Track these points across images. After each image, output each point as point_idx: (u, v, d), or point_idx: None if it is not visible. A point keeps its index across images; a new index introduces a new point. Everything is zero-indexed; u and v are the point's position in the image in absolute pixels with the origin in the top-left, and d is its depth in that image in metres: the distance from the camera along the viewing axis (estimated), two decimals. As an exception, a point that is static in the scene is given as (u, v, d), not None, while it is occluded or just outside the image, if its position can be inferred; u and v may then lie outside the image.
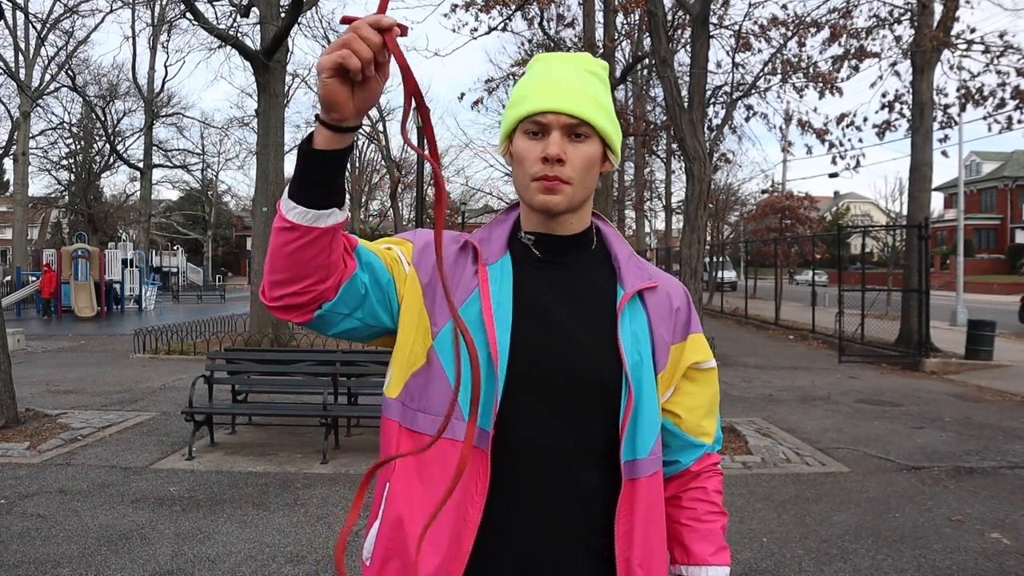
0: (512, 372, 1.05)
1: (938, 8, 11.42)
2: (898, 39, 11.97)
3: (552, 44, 12.26)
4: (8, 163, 31.29)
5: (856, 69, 10.94)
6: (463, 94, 19.04)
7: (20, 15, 23.26)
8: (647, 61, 12.09)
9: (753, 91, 9.39)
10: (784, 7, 9.78)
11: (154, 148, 32.83)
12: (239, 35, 13.96)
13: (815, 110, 17.49)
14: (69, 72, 25.86)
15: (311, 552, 3.80)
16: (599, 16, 12.41)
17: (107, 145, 31.60)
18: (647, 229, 36.99)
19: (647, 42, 11.39)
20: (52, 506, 4.47)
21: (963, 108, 12.00)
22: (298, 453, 5.81)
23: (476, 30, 10.89)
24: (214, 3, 14.45)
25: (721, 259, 30.84)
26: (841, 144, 11.22)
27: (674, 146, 14.81)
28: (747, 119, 13.61)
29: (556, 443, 1.07)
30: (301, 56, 70.69)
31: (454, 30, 11.31)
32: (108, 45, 72.63)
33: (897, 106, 12.32)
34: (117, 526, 4.13)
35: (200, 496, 4.71)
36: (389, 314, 1.09)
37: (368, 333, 1.09)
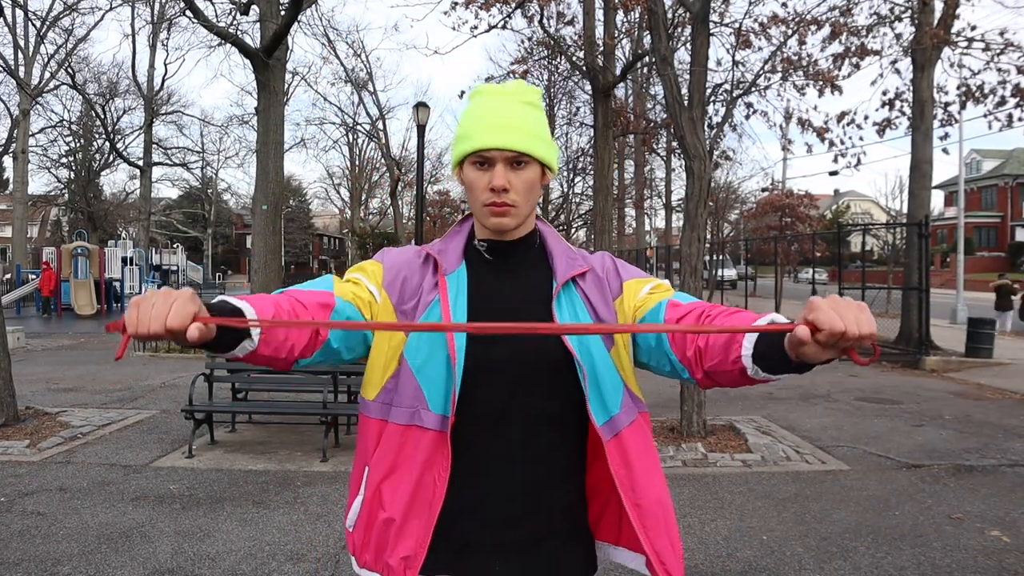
0: (469, 365, 1.23)
1: (939, 6, 11.41)
2: (899, 37, 11.96)
3: (552, 42, 12.23)
4: (8, 161, 31.35)
5: (857, 67, 10.93)
6: (463, 92, 18.98)
7: (20, 12, 23.23)
8: (647, 59, 12.07)
9: (753, 89, 9.37)
10: (784, 5, 9.76)
11: (154, 146, 32.77)
12: (239, 33, 13.94)
13: (815, 108, 17.43)
14: (69, 70, 25.80)
15: (311, 550, 3.80)
16: (599, 14, 12.38)
17: (107, 143, 31.55)
18: (647, 227, 36.98)
19: (647, 40, 11.38)
20: (52, 504, 4.47)
21: (963, 106, 12.00)
22: (298, 451, 5.81)
23: (476, 28, 10.85)
24: (214, 1, 14.43)
25: (721, 257, 30.82)
26: (841, 142, 11.21)
27: (674, 144, 14.80)
28: (747, 117, 13.60)
29: (513, 416, 1.26)
30: (301, 54, 70.62)
31: (454, 28, 11.26)
32: (108, 43, 72.51)
33: (897, 104, 12.31)
34: (117, 524, 4.13)
35: (200, 494, 4.71)
36: (363, 347, 1.32)
37: (347, 362, 1.34)
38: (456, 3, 10.47)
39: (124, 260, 24.02)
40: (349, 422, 6.60)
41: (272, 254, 11.67)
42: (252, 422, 6.70)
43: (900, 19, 11.93)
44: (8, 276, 26.60)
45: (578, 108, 20.88)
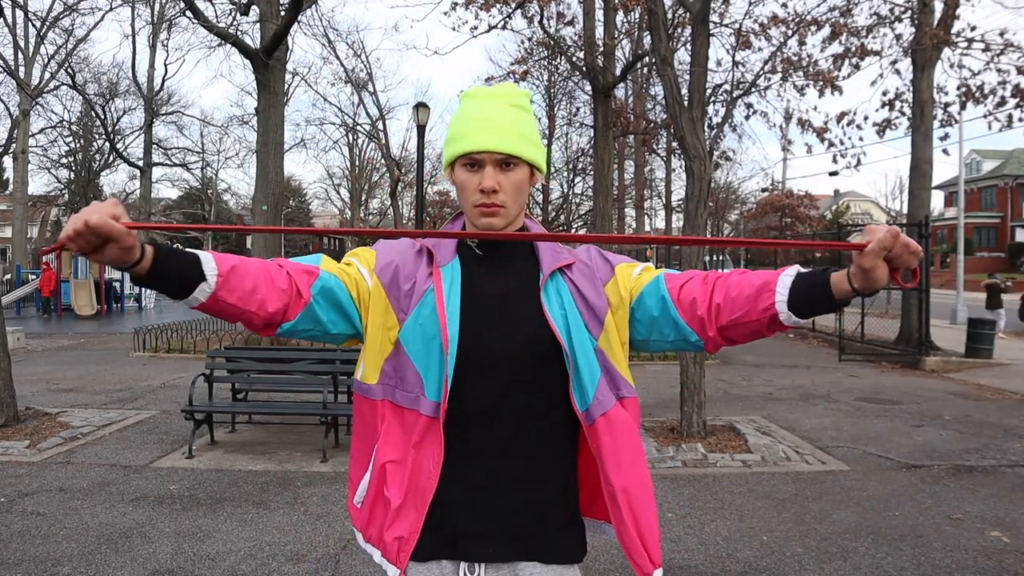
0: (462, 353, 1.27)
1: (939, 6, 11.41)
2: (898, 37, 11.96)
3: (552, 42, 12.24)
4: (8, 161, 31.33)
5: (856, 67, 10.94)
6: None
7: (20, 13, 23.23)
8: (647, 59, 12.07)
9: (753, 89, 9.37)
10: (784, 5, 9.76)
11: (154, 146, 32.79)
12: (239, 33, 13.94)
13: (815, 108, 17.42)
14: (69, 70, 25.79)
15: (311, 550, 3.80)
16: (599, 14, 12.39)
17: (107, 143, 31.54)
18: (647, 228, 36.98)
19: (647, 40, 11.38)
20: (52, 504, 4.47)
21: (963, 106, 12.00)
22: (298, 451, 5.81)
23: (476, 28, 10.86)
24: (214, 1, 14.43)
25: (721, 257, 30.83)
26: (841, 142, 11.22)
27: (674, 144, 14.81)
28: (747, 117, 13.59)
29: (506, 406, 1.30)
30: (301, 54, 70.60)
31: (454, 28, 11.26)
32: (108, 43, 72.39)
33: (897, 104, 12.31)
34: (117, 524, 4.13)
35: (200, 494, 4.71)
36: (348, 323, 1.33)
37: (330, 338, 1.33)
38: (456, 3, 10.48)
39: (124, 260, 23.96)
40: (349, 423, 6.60)
41: (272, 254, 11.67)
42: (252, 422, 6.70)
43: (900, 19, 11.93)
44: (8, 276, 26.60)
45: (578, 108, 20.89)
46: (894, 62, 12.31)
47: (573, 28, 12.80)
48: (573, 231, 25.69)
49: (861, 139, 15.57)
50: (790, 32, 9.52)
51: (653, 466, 5.43)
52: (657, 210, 35.76)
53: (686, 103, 6.35)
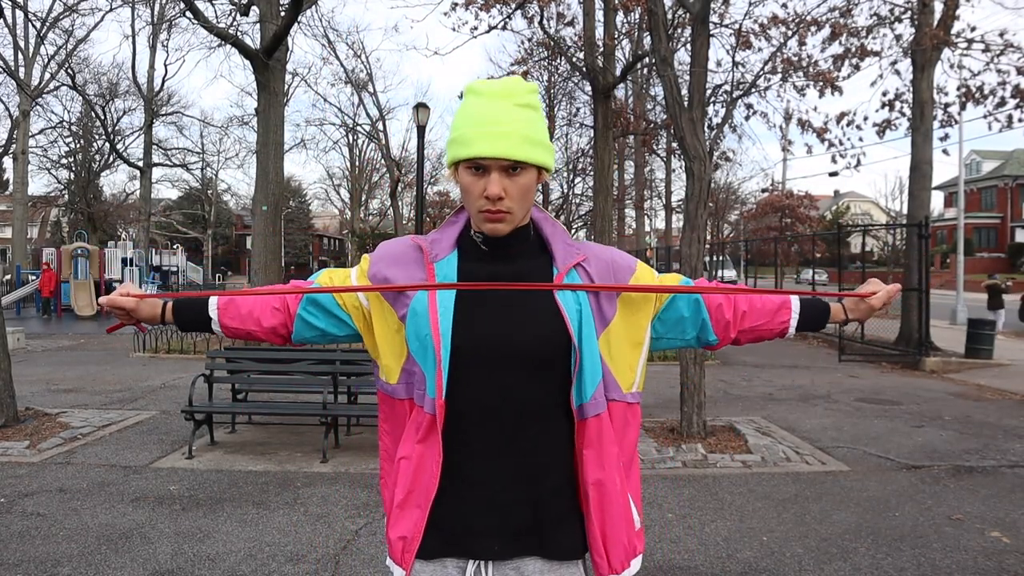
0: (459, 350, 1.27)
1: (938, 7, 11.41)
2: (898, 38, 11.96)
3: (552, 43, 12.24)
4: (8, 162, 31.31)
5: (856, 68, 10.93)
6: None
7: (20, 13, 23.23)
8: (647, 60, 12.07)
9: (753, 90, 9.37)
10: (784, 6, 9.76)
11: (154, 147, 32.76)
12: (239, 34, 13.94)
13: (815, 109, 17.42)
14: (69, 71, 25.77)
15: (311, 551, 3.80)
16: (599, 15, 12.38)
17: (107, 144, 31.54)
18: (647, 228, 36.99)
19: (647, 41, 11.38)
20: (52, 505, 4.47)
21: (963, 107, 11.99)
22: (298, 452, 5.81)
23: (476, 29, 10.86)
24: (214, 2, 14.43)
25: (721, 258, 30.84)
26: (841, 143, 11.21)
27: (674, 145, 14.80)
28: (747, 118, 13.60)
29: (508, 403, 1.29)
30: (301, 55, 70.63)
31: (454, 29, 11.26)
32: (108, 44, 72.47)
33: (897, 105, 12.31)
34: (117, 525, 4.13)
35: (200, 495, 4.71)
36: (344, 325, 1.42)
37: (338, 338, 1.46)
38: (456, 4, 10.47)
39: (124, 261, 24.00)
40: (349, 423, 6.60)
41: (272, 255, 11.66)
42: (252, 423, 6.70)
43: (900, 20, 11.93)
44: (8, 277, 26.60)
45: (578, 109, 20.90)
46: (894, 62, 12.32)
47: (573, 29, 12.80)
48: (573, 232, 25.71)
49: (861, 139, 15.66)
50: (790, 32, 9.53)
51: (653, 467, 5.44)
52: (657, 210, 35.79)
53: (686, 103, 6.35)
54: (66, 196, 36.56)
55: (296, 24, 12.61)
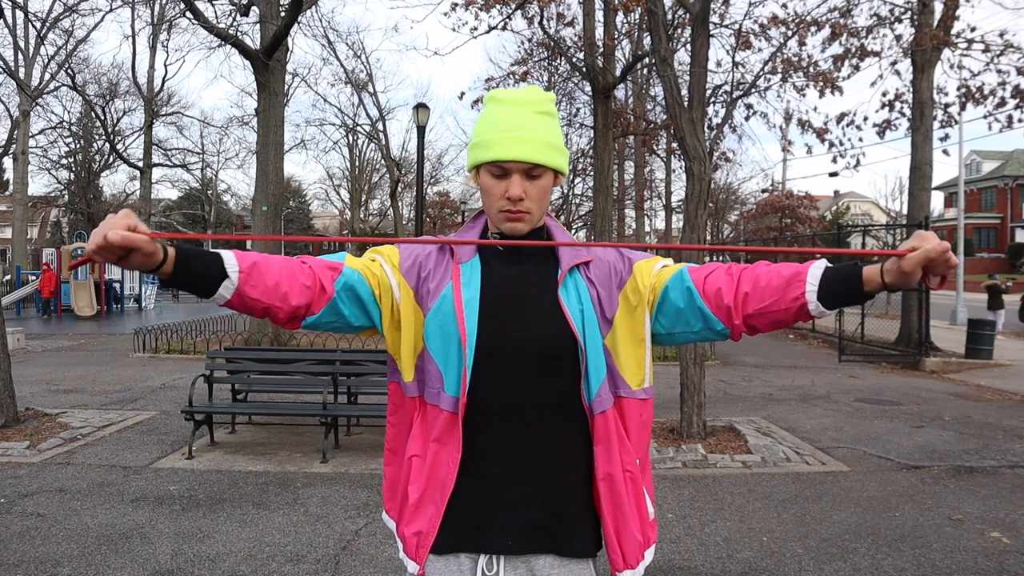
0: (481, 348, 1.30)
1: (938, 7, 11.41)
2: (898, 38, 11.97)
3: (552, 43, 12.24)
4: (8, 162, 31.28)
5: (856, 68, 10.94)
6: (463, 93, 19.06)
7: (20, 14, 23.24)
8: (647, 60, 12.07)
9: (753, 90, 9.38)
10: (784, 6, 9.77)
11: (154, 147, 32.77)
12: (239, 34, 13.95)
13: (815, 109, 17.48)
14: (69, 71, 25.80)
15: (311, 551, 3.80)
16: (599, 15, 12.39)
17: (107, 144, 31.57)
18: (647, 228, 36.99)
19: (647, 41, 11.38)
20: (52, 505, 4.47)
21: (963, 107, 12.00)
22: (298, 452, 5.81)
23: (476, 29, 10.87)
24: (214, 2, 14.45)
25: (721, 258, 30.81)
26: (841, 143, 11.23)
27: (674, 145, 14.81)
28: (747, 118, 13.61)
29: (523, 400, 1.32)
30: (301, 55, 70.61)
31: (454, 29, 11.29)
32: (108, 44, 72.45)
33: (897, 105, 12.32)
34: (117, 525, 4.13)
35: (200, 495, 4.71)
36: (368, 318, 1.36)
37: (352, 329, 1.38)
38: (456, 4, 10.48)
39: (124, 261, 23.95)
40: (349, 423, 6.60)
41: (272, 253, 11.66)
42: (252, 423, 6.70)
43: (900, 20, 11.93)
44: (8, 277, 26.60)
45: (578, 109, 20.86)
46: (894, 63, 12.33)
47: (573, 29, 12.81)
48: (573, 232, 25.71)
49: (861, 140, 15.66)
50: (790, 33, 9.53)
51: (653, 467, 5.43)
52: (657, 211, 35.78)
53: (686, 104, 6.35)
54: (66, 196, 36.57)
55: (296, 24, 12.61)
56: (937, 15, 11.39)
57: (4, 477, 5.08)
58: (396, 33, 78.82)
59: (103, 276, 22.11)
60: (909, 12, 11.85)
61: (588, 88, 14.12)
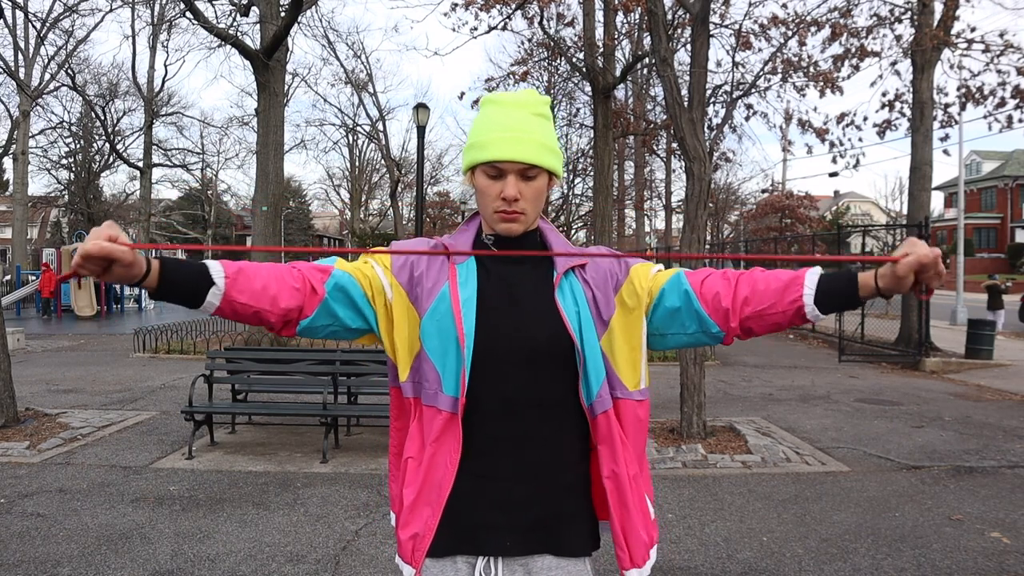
0: (479, 349, 1.31)
1: (938, 7, 11.41)
2: (898, 38, 11.97)
3: (552, 43, 12.24)
4: (8, 162, 31.27)
5: (856, 68, 10.95)
6: (463, 93, 19.08)
7: (20, 14, 23.24)
8: (647, 60, 12.08)
9: (753, 90, 9.38)
10: (784, 6, 9.78)
11: (154, 147, 32.79)
12: (239, 34, 13.95)
13: (815, 109, 17.50)
14: (69, 71, 25.81)
15: (311, 551, 3.80)
16: (599, 15, 12.40)
17: (107, 144, 31.58)
18: (647, 228, 36.99)
19: (647, 41, 11.38)
20: (52, 505, 4.47)
21: (963, 107, 12.00)
22: (298, 452, 5.81)
23: (476, 29, 10.87)
24: (214, 2, 14.45)
25: (722, 264, 30.80)
26: (841, 143, 11.23)
27: (674, 145, 14.81)
28: (747, 118, 13.62)
29: (520, 400, 1.33)
30: (301, 55, 70.61)
31: (454, 29, 11.30)
32: (108, 44, 72.48)
33: (897, 105, 12.32)
34: (117, 525, 4.13)
35: (200, 495, 4.71)
36: (363, 320, 1.36)
37: (349, 333, 1.37)
38: (456, 4, 10.48)
39: (124, 261, 23.94)
40: (349, 423, 6.60)
41: (271, 257, 11.66)
42: (252, 423, 6.70)
43: (900, 20, 11.93)
44: (8, 277, 26.59)
45: (578, 109, 20.88)
46: (894, 63, 12.32)
47: (573, 29, 12.82)
48: (573, 232, 25.70)
49: (861, 140, 15.68)
50: (790, 33, 9.54)
51: (653, 467, 5.43)
52: (657, 211, 35.78)
53: (686, 104, 6.35)
54: (66, 196, 36.57)
55: (296, 25, 12.62)
56: (937, 15, 11.39)
57: (4, 477, 5.08)
58: (396, 33, 78.94)
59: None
60: (909, 12, 11.85)
61: (588, 88, 14.13)
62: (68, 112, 32.39)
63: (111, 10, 36.30)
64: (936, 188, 40.57)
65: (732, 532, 4.13)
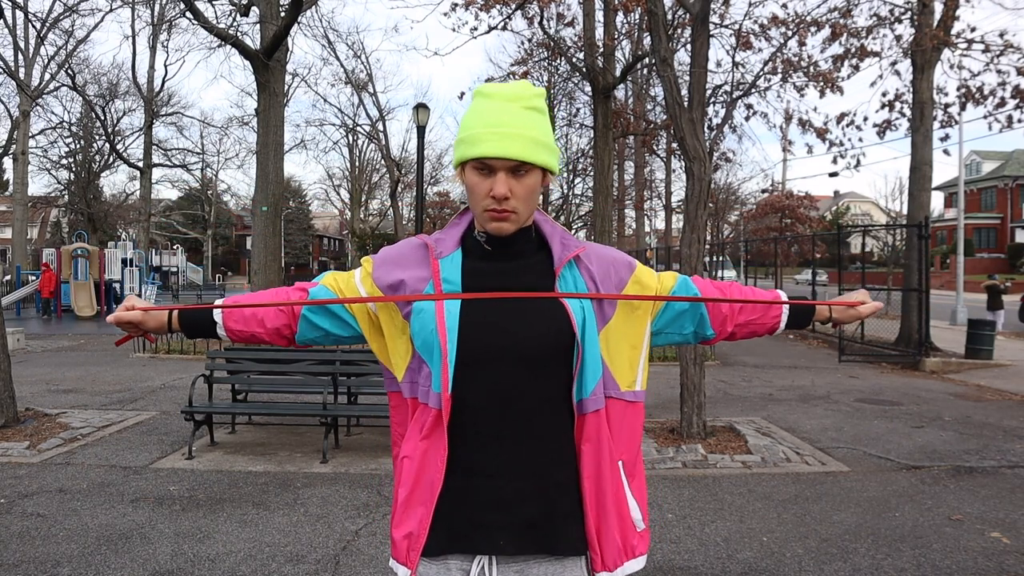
0: (465, 346, 1.29)
1: (938, 7, 11.41)
2: (898, 38, 11.96)
3: (552, 43, 12.24)
4: (8, 162, 31.29)
5: (856, 68, 10.94)
6: (463, 93, 18.98)
7: (20, 14, 23.23)
8: (647, 60, 12.08)
9: (753, 90, 9.38)
10: (784, 6, 9.78)
11: (154, 147, 32.81)
12: (239, 34, 13.94)
13: (815, 109, 17.50)
14: (69, 71, 25.78)
15: (311, 551, 3.80)
16: (599, 15, 12.40)
17: (107, 144, 31.57)
18: (647, 228, 36.99)
19: (647, 41, 11.38)
20: (52, 505, 4.47)
21: (963, 107, 12.00)
22: (298, 452, 5.81)
23: (476, 29, 10.87)
24: (214, 2, 14.44)
25: (721, 258, 30.84)
26: (841, 143, 11.23)
27: (674, 145, 14.80)
28: (747, 118, 13.63)
29: (512, 396, 1.31)
30: (301, 55, 70.66)
31: (454, 29, 11.27)
32: (108, 44, 72.58)
33: (897, 105, 12.31)
34: (117, 525, 4.13)
35: (200, 495, 4.71)
36: (348, 327, 1.44)
37: (342, 339, 1.47)
38: (456, 4, 10.48)
39: (124, 261, 24.00)
40: (349, 424, 6.60)
41: (272, 255, 11.67)
42: (252, 423, 6.70)
43: (900, 20, 11.93)
44: (8, 277, 26.60)
45: (578, 109, 20.90)
46: (894, 63, 12.32)
47: (573, 29, 12.82)
48: (573, 232, 25.72)
49: (861, 140, 15.66)
50: (790, 33, 9.54)
51: (653, 467, 5.43)
52: (657, 211, 35.79)
53: (686, 104, 6.35)
54: (66, 196, 36.56)
55: (296, 25, 12.62)
56: (937, 15, 11.39)
57: (4, 477, 5.08)
58: (396, 33, 78.98)
59: (103, 277, 22.11)
60: (909, 12, 11.85)
61: (588, 88, 14.13)
62: (68, 112, 32.42)
63: (111, 10, 36.34)
64: (936, 188, 40.58)
65: (732, 532, 4.13)
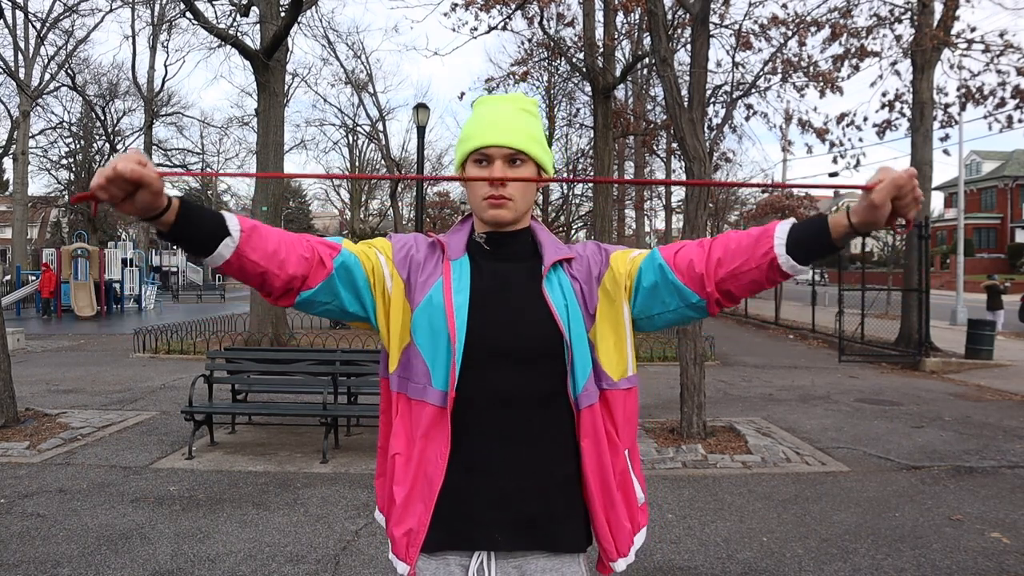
0: (470, 343, 1.32)
1: (938, 7, 11.42)
2: (898, 38, 11.97)
3: (552, 43, 12.24)
4: (8, 162, 31.30)
5: (856, 68, 10.96)
6: (463, 93, 19.02)
7: (20, 14, 23.24)
8: (647, 60, 12.08)
9: (753, 90, 9.39)
10: (784, 6, 9.79)
11: (154, 147, 32.79)
12: (239, 34, 13.95)
13: (815, 109, 17.51)
14: (69, 71, 25.82)
15: (311, 552, 3.80)
16: (599, 15, 12.40)
17: (107, 144, 31.57)
18: (647, 228, 36.99)
19: (647, 41, 11.38)
20: (52, 505, 4.47)
21: (963, 107, 12.01)
22: (298, 452, 5.81)
23: (476, 29, 10.89)
24: (214, 2, 14.45)
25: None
26: (841, 143, 11.24)
27: (674, 145, 14.81)
28: (747, 118, 13.63)
29: (512, 395, 1.33)
30: (301, 55, 70.62)
31: (454, 29, 11.29)
32: (108, 44, 72.43)
33: (897, 105, 12.32)
34: (117, 525, 4.13)
35: (200, 495, 4.71)
36: (360, 305, 1.36)
37: (345, 315, 1.37)
38: (456, 4, 10.49)
39: (124, 261, 24.03)
40: (349, 424, 6.60)
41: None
42: (252, 424, 6.70)
43: (900, 21, 11.94)
44: (8, 277, 26.60)
45: (578, 109, 20.91)
46: (894, 63, 12.33)
47: (573, 29, 12.82)
48: (572, 232, 25.70)
49: (861, 140, 15.72)
50: (790, 33, 9.54)
51: (653, 467, 5.44)
52: (657, 211, 35.75)
53: (686, 104, 6.35)
54: (66, 196, 36.55)
55: (296, 25, 12.62)
56: (937, 15, 11.39)
57: (4, 477, 5.08)
58: (396, 33, 78.95)
59: (103, 277, 22.12)
60: (909, 12, 11.85)
61: (588, 88, 14.14)
62: (68, 112, 32.45)
63: (111, 10, 36.32)
64: (936, 188, 40.61)
65: (732, 532, 4.13)
